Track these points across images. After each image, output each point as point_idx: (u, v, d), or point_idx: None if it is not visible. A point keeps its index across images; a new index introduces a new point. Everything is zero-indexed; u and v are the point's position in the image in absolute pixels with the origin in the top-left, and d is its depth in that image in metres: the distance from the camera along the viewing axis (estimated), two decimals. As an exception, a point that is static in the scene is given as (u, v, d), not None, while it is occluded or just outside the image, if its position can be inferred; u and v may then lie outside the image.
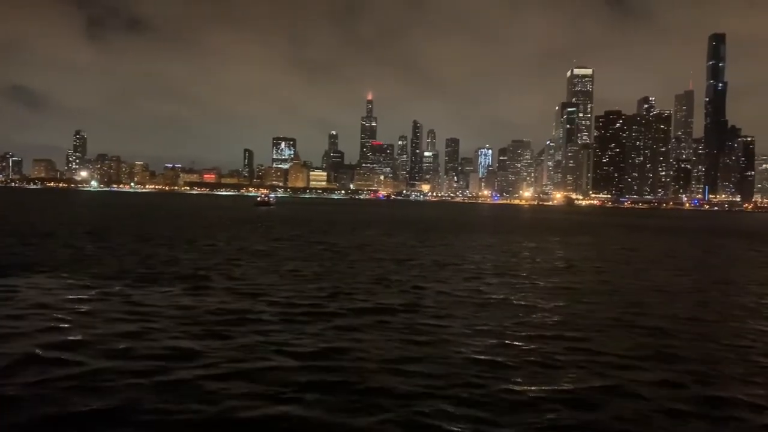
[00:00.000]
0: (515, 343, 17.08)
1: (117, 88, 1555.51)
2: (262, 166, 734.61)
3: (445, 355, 15.47)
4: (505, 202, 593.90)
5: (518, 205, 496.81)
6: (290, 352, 15.36)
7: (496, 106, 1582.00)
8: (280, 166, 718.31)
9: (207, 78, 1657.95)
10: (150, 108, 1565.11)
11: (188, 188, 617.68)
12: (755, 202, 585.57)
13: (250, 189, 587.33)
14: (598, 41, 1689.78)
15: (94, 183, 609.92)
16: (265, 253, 39.27)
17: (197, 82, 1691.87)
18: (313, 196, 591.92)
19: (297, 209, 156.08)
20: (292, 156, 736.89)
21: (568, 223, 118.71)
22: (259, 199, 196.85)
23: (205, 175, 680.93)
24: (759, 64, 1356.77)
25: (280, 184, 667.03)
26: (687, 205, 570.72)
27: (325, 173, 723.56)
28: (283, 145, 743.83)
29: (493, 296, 25.00)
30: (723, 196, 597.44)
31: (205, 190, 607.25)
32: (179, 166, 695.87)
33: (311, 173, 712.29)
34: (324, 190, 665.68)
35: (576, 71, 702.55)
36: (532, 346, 16.68)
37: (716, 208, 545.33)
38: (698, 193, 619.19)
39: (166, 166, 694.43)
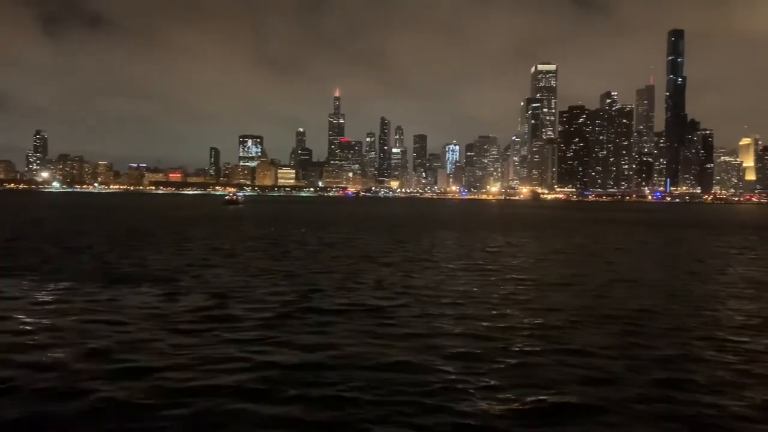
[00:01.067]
0: (492, 339, 17.12)
1: (77, 86, 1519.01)
2: (228, 164, 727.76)
3: (422, 356, 15.42)
4: (473, 197, 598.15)
5: (486, 200, 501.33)
6: (264, 360, 15.08)
7: (462, 102, 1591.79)
8: (247, 164, 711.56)
9: (171, 76, 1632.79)
10: (112, 107, 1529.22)
11: (153, 188, 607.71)
12: (714, 193, 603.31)
13: (217, 188, 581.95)
14: (562, 37, 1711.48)
15: (56, 184, 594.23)
16: (236, 253, 38.95)
17: (161, 80, 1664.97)
18: (282, 194, 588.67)
19: (267, 207, 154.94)
20: (259, 154, 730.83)
21: (540, 218, 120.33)
22: (227, 197, 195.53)
23: (171, 175, 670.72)
24: (716, 59, 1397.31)
25: (248, 182, 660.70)
26: (649, 197, 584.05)
27: (293, 171, 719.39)
28: (249, 143, 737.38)
29: (467, 292, 25.09)
30: (684, 188, 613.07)
31: (171, 190, 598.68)
32: (144, 165, 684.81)
33: (279, 171, 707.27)
34: (292, 187, 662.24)
35: (540, 67, 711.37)
36: (510, 344, 16.77)
37: (677, 200, 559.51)
38: (660, 185, 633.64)
39: (131, 166, 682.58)
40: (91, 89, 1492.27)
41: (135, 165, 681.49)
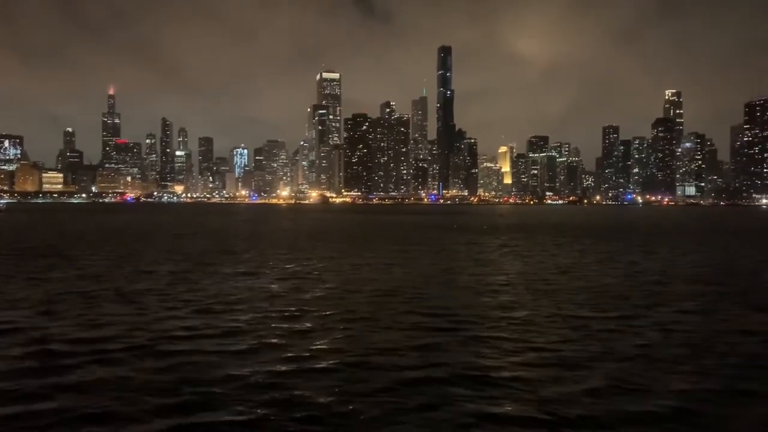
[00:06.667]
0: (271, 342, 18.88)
1: None
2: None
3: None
4: (263, 201, 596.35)
5: (276, 204, 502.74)
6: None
7: (250, 104, 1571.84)
8: (4, 167, 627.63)
9: None
10: None
11: None
12: (479, 195, 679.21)
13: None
14: (347, 43, 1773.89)
15: None
16: None
17: None
18: (48, 200, 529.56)
19: (32, 217, 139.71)
20: (19, 156, 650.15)
21: (334, 223, 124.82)
22: None
23: None
24: (480, 73, 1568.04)
25: (5, 188, 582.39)
26: (425, 200, 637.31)
27: (60, 175, 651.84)
28: (6, 143, 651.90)
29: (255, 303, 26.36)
30: (454, 191, 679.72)
31: None
32: None
33: (44, 175, 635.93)
34: (60, 193, 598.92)
35: (325, 75, 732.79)
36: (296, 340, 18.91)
37: (449, 202, 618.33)
38: (434, 188, 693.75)
39: None
40: None
41: None
